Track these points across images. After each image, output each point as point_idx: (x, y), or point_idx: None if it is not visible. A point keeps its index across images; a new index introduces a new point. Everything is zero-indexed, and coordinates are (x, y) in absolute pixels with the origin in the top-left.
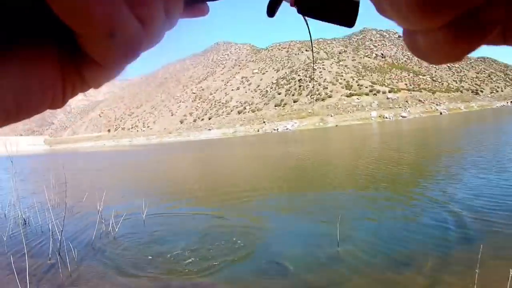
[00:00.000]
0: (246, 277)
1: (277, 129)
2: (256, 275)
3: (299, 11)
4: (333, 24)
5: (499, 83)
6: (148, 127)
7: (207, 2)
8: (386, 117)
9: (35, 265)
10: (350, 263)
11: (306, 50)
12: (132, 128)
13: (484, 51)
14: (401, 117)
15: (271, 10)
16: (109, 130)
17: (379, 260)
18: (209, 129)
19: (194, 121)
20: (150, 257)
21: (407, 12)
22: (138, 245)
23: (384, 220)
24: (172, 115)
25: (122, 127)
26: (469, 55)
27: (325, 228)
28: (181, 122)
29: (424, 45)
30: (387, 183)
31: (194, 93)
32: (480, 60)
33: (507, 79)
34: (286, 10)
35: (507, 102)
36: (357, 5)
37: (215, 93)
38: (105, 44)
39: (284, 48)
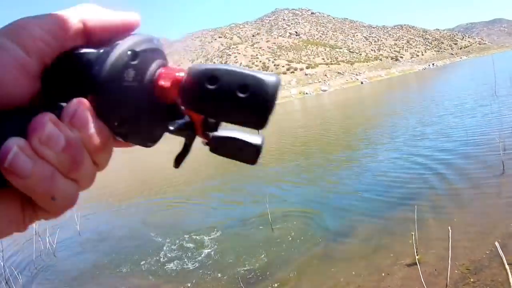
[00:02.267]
0: (188, 269)
1: None
2: (199, 263)
3: (211, 151)
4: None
5: (419, 48)
6: None
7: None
8: (306, 93)
9: None
10: (284, 241)
11: (219, 37)
12: None
13: (402, 18)
14: (321, 91)
15: (177, 163)
16: None
17: (316, 233)
18: None
19: None
20: (91, 268)
21: None
22: (78, 260)
23: (314, 191)
24: None
25: None
26: (385, 25)
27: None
28: None
29: None
30: (313, 156)
31: None
32: (398, 28)
33: (426, 43)
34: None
35: (429, 65)
36: (260, 150)
37: None
38: (50, 204)
39: (197, 37)
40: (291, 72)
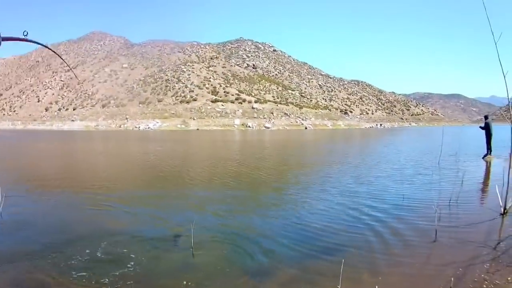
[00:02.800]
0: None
1: (139, 127)
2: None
3: None
4: None
5: (370, 106)
6: (14, 111)
7: None
8: (249, 126)
9: None
10: (205, 270)
11: (178, 52)
12: None
13: (361, 75)
14: (264, 127)
15: None
16: None
17: (234, 271)
18: (73, 120)
19: (59, 110)
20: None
21: None
22: None
23: (239, 227)
24: (38, 101)
25: None
26: (343, 77)
27: (178, 232)
28: (46, 109)
29: None
30: (240, 193)
31: (62, 81)
32: (354, 83)
33: (379, 103)
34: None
35: (376, 125)
36: None
37: (82, 83)
38: None
39: (158, 46)
40: (239, 103)
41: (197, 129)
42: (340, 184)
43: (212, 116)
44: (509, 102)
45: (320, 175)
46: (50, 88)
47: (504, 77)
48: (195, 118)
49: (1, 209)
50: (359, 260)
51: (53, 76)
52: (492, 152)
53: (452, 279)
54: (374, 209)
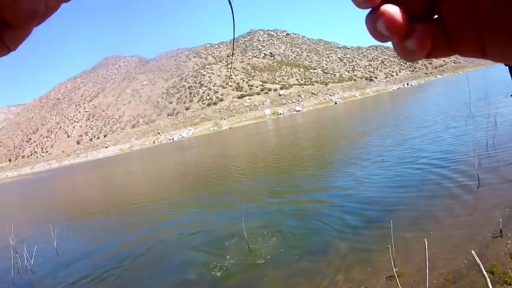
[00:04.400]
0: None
1: (173, 138)
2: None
3: None
4: None
5: (394, 68)
6: (47, 151)
7: None
8: (280, 113)
9: None
10: (263, 260)
11: (194, 57)
12: (31, 154)
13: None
14: (295, 111)
15: None
16: (10, 160)
17: (295, 252)
18: (106, 147)
19: (90, 140)
20: (67, 284)
21: None
22: (56, 276)
23: (290, 213)
24: (68, 137)
25: (22, 155)
26: (360, 46)
27: (233, 228)
28: (78, 143)
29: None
30: (286, 177)
31: (87, 111)
32: (372, 49)
33: (401, 63)
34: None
35: (403, 85)
36: None
37: (107, 109)
38: (11, 6)
39: (172, 56)
40: (265, 93)
41: (230, 128)
42: (381, 147)
43: (241, 112)
44: None
45: (361, 143)
46: (77, 121)
47: None
48: (225, 118)
49: (56, 246)
50: (408, 218)
51: (77, 109)
52: None
53: (501, 220)
54: (416, 163)
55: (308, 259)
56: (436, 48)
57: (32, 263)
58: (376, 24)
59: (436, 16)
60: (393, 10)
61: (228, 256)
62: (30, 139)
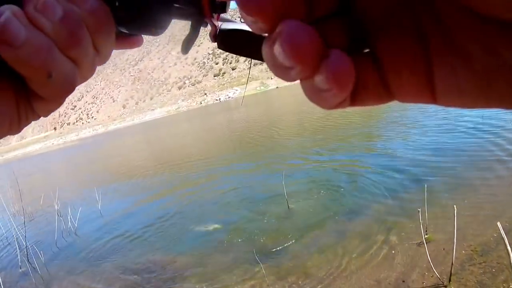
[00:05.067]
0: (205, 249)
1: (219, 99)
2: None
3: (219, 43)
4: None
5: None
6: (92, 117)
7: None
8: None
9: (8, 277)
10: (302, 219)
11: (239, 17)
12: (77, 121)
13: None
14: None
15: (185, 48)
16: (55, 128)
17: (330, 212)
18: (152, 109)
19: (136, 103)
20: (111, 246)
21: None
22: (99, 236)
23: (328, 174)
24: (113, 102)
25: (67, 123)
26: None
27: (274, 188)
28: (124, 107)
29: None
30: (328, 138)
31: (132, 75)
32: None
33: None
34: None
35: None
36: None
37: (153, 72)
38: (45, 84)
39: None
40: None
41: (277, 87)
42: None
43: None
44: None
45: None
46: (122, 86)
47: None
48: (272, 77)
49: (100, 207)
50: (444, 185)
51: (122, 74)
52: None
53: None
54: (454, 132)
55: (344, 220)
56: (364, 87)
57: (76, 225)
58: (274, 50)
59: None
60: (294, 25)
61: (267, 214)
62: (75, 106)
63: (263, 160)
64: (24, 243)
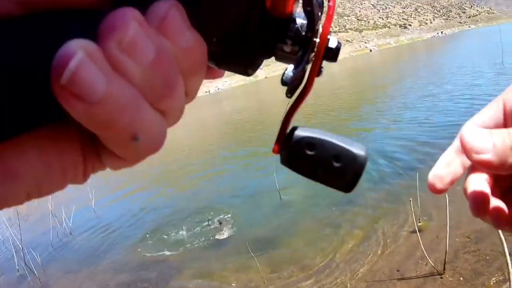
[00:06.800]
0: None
1: (209, 90)
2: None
3: (285, 159)
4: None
5: (427, 16)
6: None
7: None
8: None
9: (6, 281)
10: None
11: None
12: None
13: None
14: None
15: (290, 92)
16: None
17: (323, 202)
18: None
19: None
20: (106, 244)
21: None
22: (93, 235)
23: None
24: None
25: None
26: None
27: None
28: None
29: None
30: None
31: None
32: None
33: (434, 11)
34: None
35: (437, 33)
36: (363, 167)
37: None
38: (127, 147)
39: None
40: None
41: (265, 78)
42: (416, 94)
43: (276, 61)
44: None
45: (397, 94)
46: None
47: None
48: (261, 67)
49: (94, 207)
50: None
51: None
52: None
53: None
54: (448, 120)
55: (336, 210)
56: None
57: (70, 225)
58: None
59: None
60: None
61: (259, 205)
62: None
63: (254, 149)
64: (20, 246)
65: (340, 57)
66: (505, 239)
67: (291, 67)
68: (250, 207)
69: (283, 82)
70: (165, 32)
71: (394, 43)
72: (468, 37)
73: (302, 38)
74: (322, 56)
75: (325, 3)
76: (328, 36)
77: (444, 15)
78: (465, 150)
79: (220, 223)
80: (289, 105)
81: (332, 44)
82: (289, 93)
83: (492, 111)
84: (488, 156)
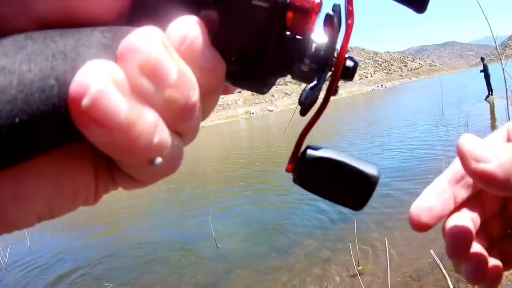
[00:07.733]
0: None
1: None
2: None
3: (297, 177)
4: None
5: (368, 69)
6: None
7: None
8: (253, 112)
9: None
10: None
11: None
12: None
13: (352, 41)
14: (268, 111)
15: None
16: None
17: (258, 251)
18: None
19: None
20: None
21: None
22: (30, 272)
23: (257, 211)
24: None
25: None
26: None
27: (199, 227)
28: None
29: None
30: (256, 177)
31: None
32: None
33: (376, 65)
34: None
35: (377, 86)
36: (374, 185)
37: None
38: (143, 171)
39: None
40: (238, 92)
41: (202, 126)
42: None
43: (214, 111)
44: (497, 40)
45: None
46: None
47: (486, 18)
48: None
49: (29, 243)
50: (373, 218)
51: None
52: (493, 93)
53: None
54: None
55: (274, 256)
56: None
57: (6, 260)
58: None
59: None
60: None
61: (196, 253)
62: None
63: (187, 199)
64: None
65: (277, 109)
66: (448, 274)
67: (306, 85)
68: (184, 252)
69: (301, 102)
70: (186, 52)
71: (333, 97)
72: (408, 89)
73: (321, 57)
74: (339, 75)
75: (343, 22)
76: (346, 55)
77: (385, 69)
78: (462, 158)
79: (149, 270)
80: (304, 125)
81: (349, 63)
82: (303, 112)
83: (496, 139)
84: (491, 166)
